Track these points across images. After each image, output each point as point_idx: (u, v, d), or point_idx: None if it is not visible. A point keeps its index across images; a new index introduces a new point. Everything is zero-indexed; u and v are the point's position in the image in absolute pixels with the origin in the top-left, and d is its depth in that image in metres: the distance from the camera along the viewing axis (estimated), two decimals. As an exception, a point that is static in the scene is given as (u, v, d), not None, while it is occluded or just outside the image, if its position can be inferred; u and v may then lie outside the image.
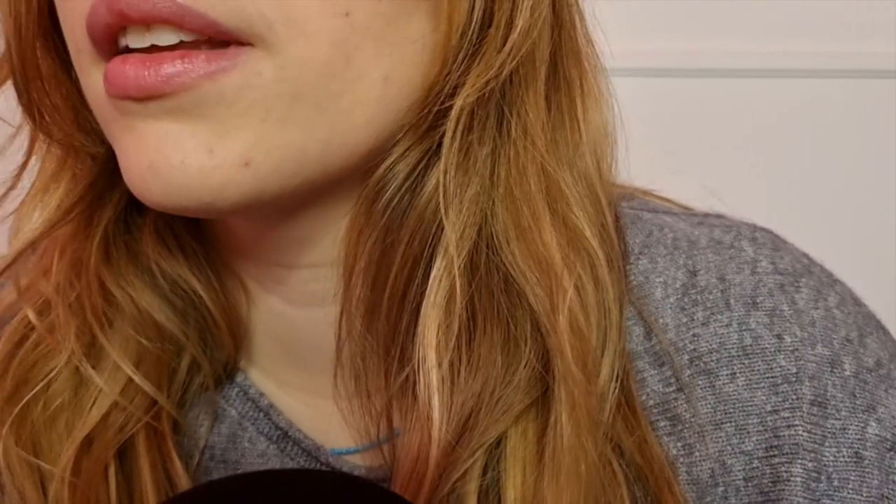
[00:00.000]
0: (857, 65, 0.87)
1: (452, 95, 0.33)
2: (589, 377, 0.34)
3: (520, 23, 0.33)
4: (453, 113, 0.33)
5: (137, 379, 0.39)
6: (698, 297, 0.38)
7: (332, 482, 0.32)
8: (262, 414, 0.42)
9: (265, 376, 0.42)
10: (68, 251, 0.39)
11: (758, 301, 0.37)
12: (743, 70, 0.88)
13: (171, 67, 0.30)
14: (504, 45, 0.33)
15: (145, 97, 0.31)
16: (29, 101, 0.36)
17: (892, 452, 0.36)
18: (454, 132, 0.33)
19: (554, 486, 0.33)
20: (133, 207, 0.40)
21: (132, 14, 0.30)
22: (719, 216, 0.42)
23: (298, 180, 0.32)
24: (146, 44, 0.31)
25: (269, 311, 0.40)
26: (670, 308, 0.38)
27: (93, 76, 0.33)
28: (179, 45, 0.31)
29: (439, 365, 0.34)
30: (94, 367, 0.39)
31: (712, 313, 0.37)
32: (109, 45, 0.32)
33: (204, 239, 0.41)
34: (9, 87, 0.37)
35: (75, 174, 0.38)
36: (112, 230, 0.39)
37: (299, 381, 0.41)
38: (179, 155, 0.31)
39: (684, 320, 0.38)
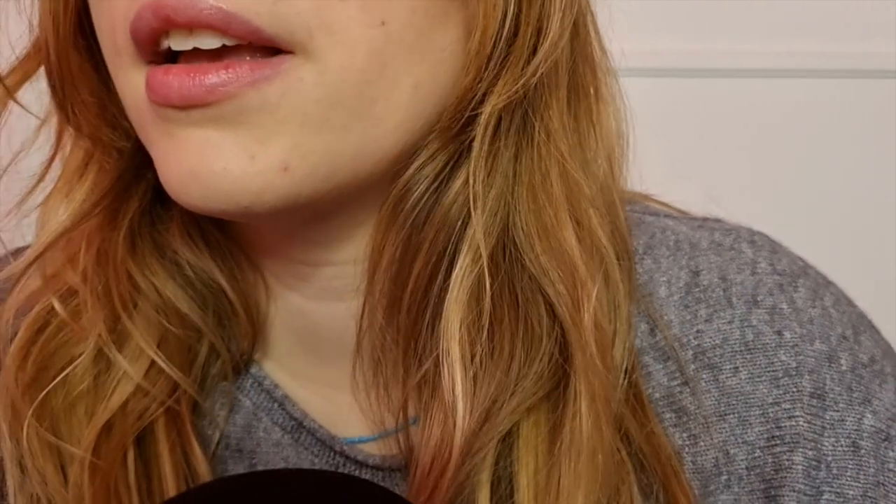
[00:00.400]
0: (857, 65, 0.87)
1: (481, 102, 0.34)
2: (608, 370, 0.36)
3: (550, 32, 0.35)
4: (482, 118, 0.35)
5: (160, 361, 0.40)
6: (701, 296, 0.40)
7: (338, 484, 0.32)
8: (276, 405, 0.43)
9: (280, 368, 0.43)
10: (95, 242, 0.40)
11: (758, 299, 0.39)
12: (743, 70, 0.88)
13: (216, 77, 0.31)
14: (534, 53, 0.35)
15: (188, 106, 0.32)
16: (63, 97, 0.37)
17: (886, 442, 0.38)
18: (483, 136, 0.35)
19: (571, 474, 0.35)
20: (158, 200, 0.41)
21: (178, 19, 0.31)
22: (717, 220, 0.44)
23: (332, 184, 0.33)
24: (188, 47, 0.32)
25: (288, 305, 0.42)
26: (674, 305, 0.40)
27: (132, 77, 0.33)
28: (222, 50, 0.32)
29: (462, 357, 0.35)
30: (119, 353, 0.40)
31: (715, 311, 0.39)
32: (152, 46, 0.32)
33: (227, 234, 0.42)
34: (33, 81, 0.38)
35: (102, 168, 0.39)
36: (138, 222, 0.41)
37: (315, 373, 0.42)
38: (221, 162, 0.32)
39: (688, 317, 0.40)
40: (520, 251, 0.36)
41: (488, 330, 0.36)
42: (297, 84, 0.31)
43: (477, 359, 0.35)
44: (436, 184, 0.35)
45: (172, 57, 0.33)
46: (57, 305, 0.40)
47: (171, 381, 0.41)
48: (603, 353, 0.36)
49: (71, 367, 0.40)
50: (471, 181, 0.35)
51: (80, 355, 0.40)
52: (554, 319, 0.36)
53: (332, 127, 0.32)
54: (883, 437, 0.38)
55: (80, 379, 0.40)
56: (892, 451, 0.38)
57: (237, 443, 0.43)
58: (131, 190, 0.40)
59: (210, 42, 0.32)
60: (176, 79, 0.31)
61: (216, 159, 0.32)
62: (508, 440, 0.36)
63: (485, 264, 0.35)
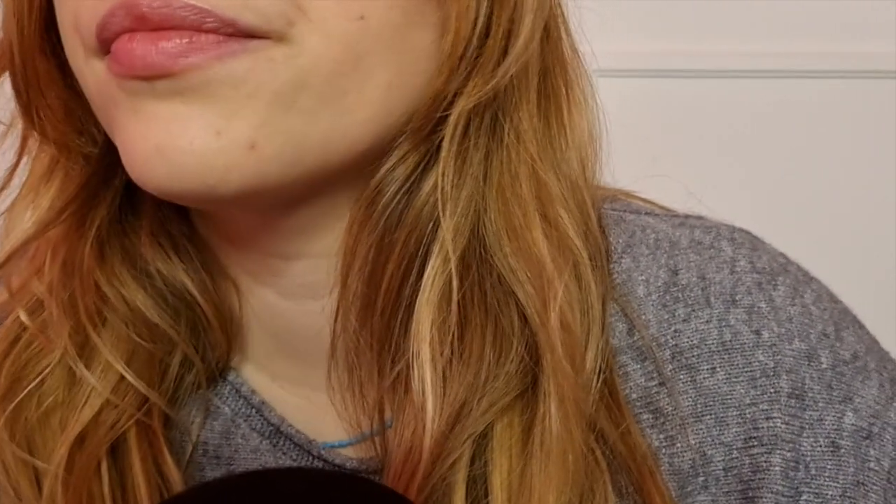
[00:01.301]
0: (857, 65, 0.87)
1: (451, 103, 0.34)
2: (577, 371, 0.36)
3: (521, 34, 0.35)
4: (452, 119, 0.34)
5: (129, 377, 0.39)
6: (679, 295, 0.39)
7: (325, 479, 0.32)
8: (254, 411, 0.42)
9: (258, 370, 0.43)
10: (61, 251, 0.39)
11: (737, 298, 0.39)
12: (743, 70, 0.88)
13: (180, 45, 0.30)
14: (504, 55, 0.35)
15: (153, 76, 0.31)
16: (28, 101, 0.36)
17: (867, 441, 0.38)
18: (452, 137, 0.35)
19: (542, 474, 0.35)
20: (128, 208, 0.40)
21: (153, 18, 0.30)
22: (699, 217, 0.43)
23: (299, 170, 0.33)
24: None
25: (263, 304, 0.41)
26: (652, 305, 0.39)
27: (94, 64, 0.33)
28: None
29: (433, 359, 0.35)
30: (86, 366, 0.40)
31: (693, 310, 0.39)
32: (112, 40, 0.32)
33: (196, 238, 0.41)
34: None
35: (68, 174, 0.38)
36: (106, 231, 0.40)
37: (292, 373, 0.42)
38: (188, 136, 0.31)
39: (666, 316, 0.39)
40: (489, 252, 0.36)
41: (458, 331, 0.35)
42: (267, 63, 0.31)
43: (446, 360, 0.35)
44: (407, 185, 0.35)
45: None
46: (24, 317, 0.40)
47: (141, 394, 0.40)
48: (572, 354, 0.36)
49: (38, 379, 0.39)
50: (440, 183, 0.35)
51: (49, 367, 0.39)
52: (524, 321, 0.36)
53: (300, 109, 0.32)
54: (864, 436, 0.38)
55: (52, 390, 0.40)
56: (874, 449, 0.38)
57: (215, 449, 0.43)
58: (98, 197, 0.39)
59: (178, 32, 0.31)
60: (140, 45, 0.31)
61: (182, 133, 0.31)
62: (484, 441, 0.36)
63: (453, 266, 0.35)
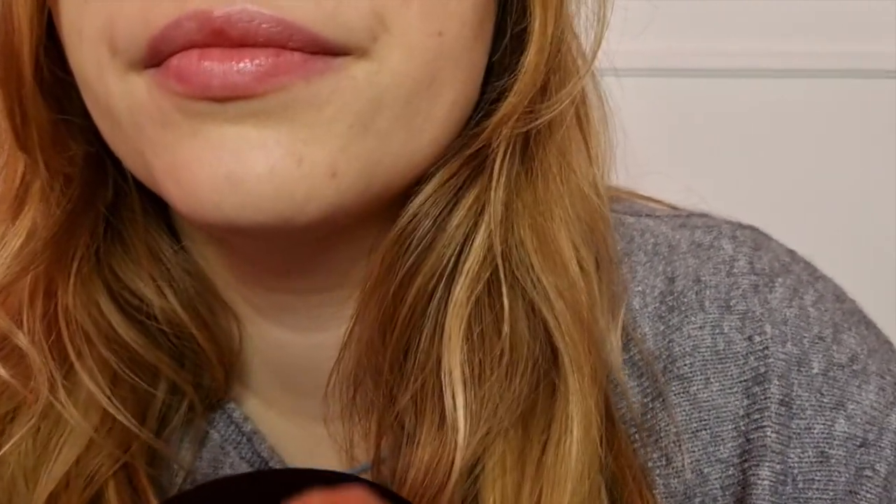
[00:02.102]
0: (857, 65, 0.87)
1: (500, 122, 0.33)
2: (599, 392, 0.35)
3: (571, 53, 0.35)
4: (504, 136, 0.33)
5: (113, 409, 0.36)
6: (674, 303, 0.38)
7: (338, 482, 0.32)
8: (244, 439, 0.40)
9: (254, 397, 0.41)
10: (39, 290, 0.36)
11: (731, 304, 0.38)
12: (742, 70, 0.88)
13: (266, 63, 0.27)
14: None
15: (230, 97, 0.27)
16: (12, 116, 0.32)
17: (863, 448, 0.36)
18: (504, 156, 0.34)
19: (555, 495, 0.33)
20: (112, 236, 0.37)
21: (233, 34, 0.27)
22: (703, 215, 0.42)
23: (367, 196, 0.31)
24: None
25: (266, 339, 0.39)
26: (648, 317, 0.38)
27: (129, 80, 0.29)
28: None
29: (463, 376, 0.33)
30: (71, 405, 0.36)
31: (686, 316, 0.38)
32: (169, 55, 0.28)
33: (190, 267, 0.38)
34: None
35: (44, 198, 0.34)
36: (89, 263, 0.36)
37: (292, 404, 0.40)
38: (267, 162, 0.28)
39: (661, 328, 0.38)
40: (516, 268, 0.35)
41: (488, 349, 0.34)
42: (349, 81, 0.28)
43: (476, 379, 0.34)
44: (447, 209, 0.34)
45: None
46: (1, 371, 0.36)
47: (125, 433, 0.37)
48: (593, 376, 0.35)
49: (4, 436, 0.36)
50: (490, 200, 0.34)
51: (11, 420, 0.36)
52: (546, 338, 0.35)
53: (377, 132, 0.30)
54: (858, 444, 0.36)
55: (18, 448, 0.36)
56: (869, 455, 0.35)
57: (203, 479, 0.41)
58: (81, 224, 0.35)
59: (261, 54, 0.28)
60: (218, 65, 0.27)
61: (260, 160, 0.28)
62: (479, 462, 0.35)
63: (486, 283, 0.34)
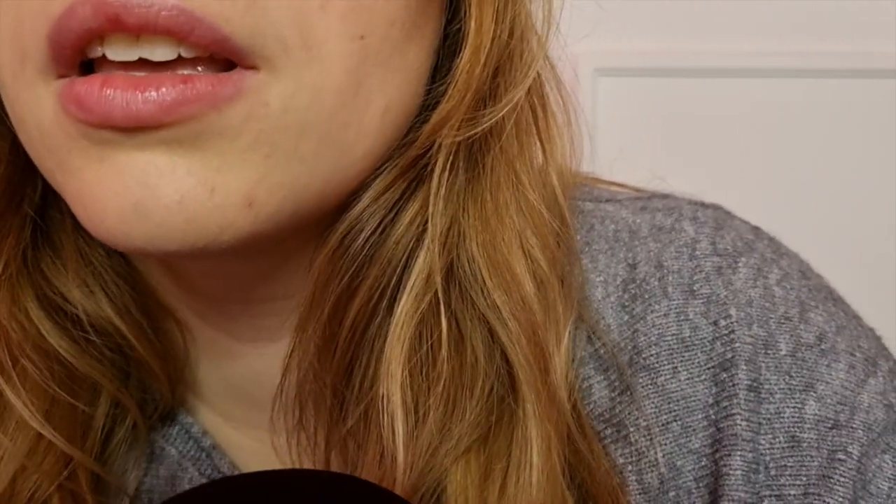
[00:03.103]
0: (857, 65, 0.87)
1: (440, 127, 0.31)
2: (559, 412, 0.33)
3: (530, 54, 0.33)
4: (446, 144, 0.31)
5: (48, 433, 0.34)
6: (637, 291, 0.36)
7: (338, 483, 0.32)
8: (204, 454, 0.39)
9: (207, 408, 0.40)
10: None
11: (695, 288, 0.36)
12: (742, 70, 0.88)
13: (173, 93, 0.26)
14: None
15: (135, 127, 0.26)
16: None
17: (834, 430, 0.34)
18: (445, 164, 0.32)
19: None
20: (40, 239, 0.34)
21: (129, 21, 0.25)
22: (664, 197, 0.40)
23: (295, 219, 0.29)
24: (132, 57, 0.26)
25: (213, 346, 0.37)
26: (611, 307, 0.37)
27: (38, 93, 0.27)
28: (175, 63, 0.27)
29: (404, 403, 0.32)
30: None
31: (650, 304, 0.36)
32: (76, 54, 0.26)
33: (129, 273, 0.37)
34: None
35: None
36: (16, 269, 0.34)
37: (246, 416, 0.39)
38: (176, 193, 0.26)
39: (625, 318, 0.36)
40: (468, 286, 0.33)
41: (430, 371, 0.32)
42: (262, 108, 0.27)
43: (418, 402, 0.32)
44: (386, 220, 0.32)
45: (85, 70, 0.27)
46: None
47: (63, 454, 0.35)
48: (553, 395, 0.33)
49: None
50: (430, 213, 0.32)
51: None
52: (503, 360, 0.33)
53: (302, 157, 0.28)
54: (830, 426, 0.34)
55: None
56: (841, 437, 0.34)
57: (160, 496, 0.39)
58: (6, 226, 0.33)
59: (164, 52, 0.26)
60: (120, 93, 0.25)
61: (168, 190, 0.26)
62: (440, 485, 0.33)
63: (427, 303, 0.32)
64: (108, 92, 0.26)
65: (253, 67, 0.27)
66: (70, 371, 0.35)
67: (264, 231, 0.28)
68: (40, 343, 0.35)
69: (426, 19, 0.31)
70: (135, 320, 0.36)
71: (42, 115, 0.28)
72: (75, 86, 0.26)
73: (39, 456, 0.35)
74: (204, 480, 0.38)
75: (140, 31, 0.26)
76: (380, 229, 0.32)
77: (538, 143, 0.36)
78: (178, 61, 0.27)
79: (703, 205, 0.39)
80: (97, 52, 0.27)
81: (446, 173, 0.32)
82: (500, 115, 0.32)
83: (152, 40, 0.26)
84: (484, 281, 0.33)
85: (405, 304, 0.32)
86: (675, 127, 0.89)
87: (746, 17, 0.87)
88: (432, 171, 0.32)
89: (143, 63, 0.27)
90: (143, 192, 0.26)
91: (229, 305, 0.35)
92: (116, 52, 0.26)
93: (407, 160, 0.31)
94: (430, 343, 0.32)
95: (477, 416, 0.33)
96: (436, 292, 0.32)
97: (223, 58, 0.27)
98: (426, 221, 0.32)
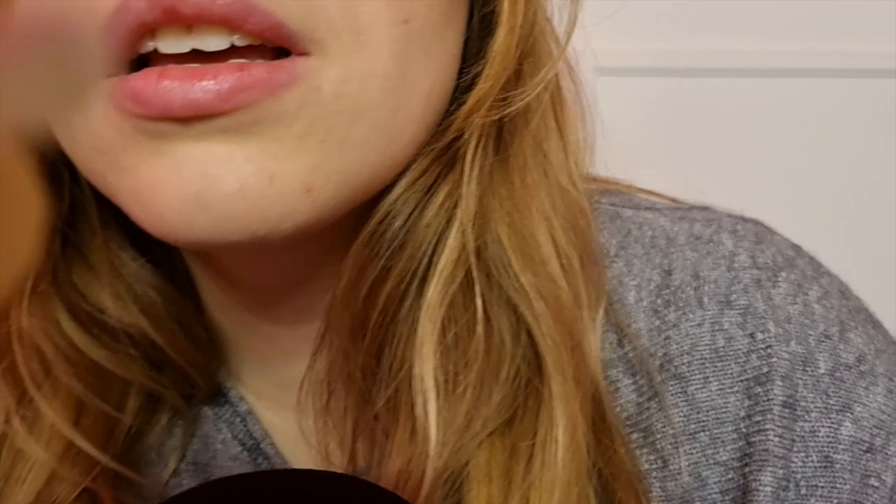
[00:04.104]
0: (857, 65, 0.87)
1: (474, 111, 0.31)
2: (584, 395, 0.33)
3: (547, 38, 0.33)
4: (476, 125, 0.31)
5: (79, 441, 0.34)
6: (671, 298, 0.36)
7: (338, 484, 0.32)
8: (238, 418, 0.39)
9: (243, 387, 0.40)
10: None
11: (732, 299, 0.36)
12: (742, 69, 0.88)
13: (231, 81, 0.26)
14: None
15: (193, 117, 0.26)
16: None
17: (869, 454, 0.34)
18: (477, 147, 0.32)
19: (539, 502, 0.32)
20: (74, 253, 0.34)
21: (185, 11, 0.25)
22: (704, 209, 0.40)
23: (348, 205, 0.29)
24: (185, 48, 0.26)
25: (249, 329, 0.38)
26: (643, 312, 0.36)
27: None
28: (228, 52, 0.27)
29: (436, 383, 0.32)
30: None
31: (684, 313, 0.36)
32: (127, 52, 0.26)
33: (162, 286, 0.37)
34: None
35: None
36: (48, 277, 0.34)
37: (279, 396, 0.39)
38: (236, 181, 0.26)
39: (657, 324, 0.36)
40: (493, 267, 0.33)
41: (463, 352, 0.33)
42: (315, 94, 0.27)
43: (452, 384, 0.32)
44: (421, 204, 0.32)
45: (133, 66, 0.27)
46: None
47: (91, 459, 0.35)
48: (578, 377, 0.33)
49: None
50: (462, 194, 0.32)
51: None
52: (528, 341, 0.33)
53: (354, 143, 0.28)
54: (864, 449, 0.33)
55: None
56: (876, 462, 0.33)
57: (193, 455, 0.39)
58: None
59: (217, 42, 0.26)
60: (178, 84, 0.25)
61: (229, 178, 0.26)
62: (465, 469, 0.33)
63: (462, 283, 0.32)
64: (166, 83, 0.26)
65: (305, 53, 0.27)
66: (101, 378, 0.35)
67: (321, 217, 0.28)
68: (71, 353, 0.34)
69: (458, 2, 0.31)
70: (168, 328, 0.37)
71: (90, 117, 0.27)
72: (130, 81, 0.26)
73: (69, 462, 0.35)
74: (236, 443, 0.38)
75: (195, 21, 0.26)
76: (415, 213, 0.32)
77: (557, 132, 0.36)
78: (231, 51, 0.27)
79: (744, 219, 0.39)
80: (148, 46, 0.26)
81: (478, 155, 0.32)
82: (533, 95, 0.32)
83: (205, 30, 0.26)
84: (510, 262, 0.33)
85: (437, 286, 0.32)
86: (676, 126, 0.89)
87: (747, 16, 0.87)
88: (465, 153, 0.32)
89: (194, 55, 0.27)
90: (203, 182, 0.26)
91: (268, 292, 0.35)
92: (169, 44, 0.26)
93: (443, 144, 0.31)
94: (461, 324, 0.32)
95: (504, 398, 0.33)
96: (468, 272, 0.32)
97: (275, 46, 0.27)
98: (456, 203, 0.32)
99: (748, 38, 0.88)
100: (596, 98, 0.88)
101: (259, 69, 0.26)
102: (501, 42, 0.31)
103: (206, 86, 0.26)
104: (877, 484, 0.33)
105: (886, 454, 0.34)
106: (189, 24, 0.26)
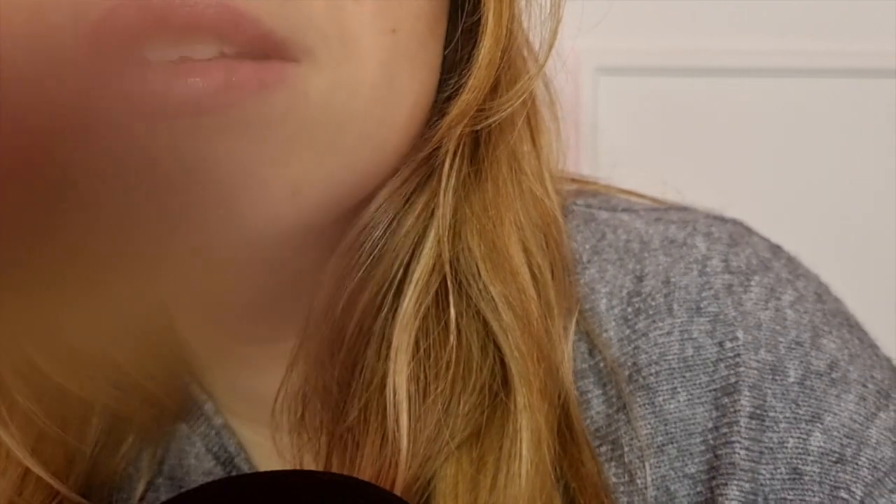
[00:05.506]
0: (857, 64, 0.87)
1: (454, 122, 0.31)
2: (550, 406, 0.33)
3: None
4: (455, 136, 0.31)
5: (35, 468, 0.33)
6: (641, 306, 0.35)
7: (336, 484, 0.31)
8: (213, 431, 0.38)
9: (216, 402, 0.40)
10: None
11: (702, 306, 0.35)
12: (742, 70, 0.88)
13: (218, 78, 0.25)
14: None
15: (176, 116, 0.25)
16: None
17: (839, 465, 0.32)
18: (454, 157, 0.32)
19: None
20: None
21: (174, 19, 0.24)
22: (682, 209, 0.39)
23: (333, 214, 0.29)
24: (173, 57, 0.25)
25: (219, 349, 0.37)
26: (615, 320, 0.35)
27: None
28: (217, 59, 0.26)
29: (408, 393, 0.32)
30: None
31: (654, 321, 0.35)
32: (114, 59, 0.25)
33: None
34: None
35: None
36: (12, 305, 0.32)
37: (250, 412, 0.39)
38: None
39: (627, 332, 0.35)
40: (463, 277, 0.33)
41: (436, 362, 0.32)
42: (302, 100, 0.26)
43: (424, 394, 0.32)
44: (401, 213, 0.32)
45: None
46: None
47: (50, 487, 0.34)
48: (544, 388, 0.32)
49: None
50: (438, 204, 0.32)
51: None
52: (496, 352, 0.33)
53: (340, 153, 0.28)
54: (834, 460, 0.32)
55: None
56: (845, 473, 0.32)
57: (170, 470, 0.39)
58: None
59: (206, 50, 0.26)
60: (160, 79, 0.25)
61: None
62: (431, 482, 0.33)
63: (437, 292, 0.32)
64: (151, 78, 0.25)
65: (294, 60, 0.26)
66: (61, 401, 0.34)
67: (306, 224, 0.28)
68: (33, 378, 0.33)
69: (442, 13, 0.31)
70: (132, 349, 0.35)
71: None
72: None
73: (30, 490, 0.34)
74: (210, 458, 0.38)
75: (185, 30, 0.25)
76: (394, 223, 0.32)
77: (531, 142, 0.36)
78: (219, 58, 0.26)
79: (721, 219, 0.38)
80: (135, 54, 0.26)
81: (455, 165, 0.32)
82: (511, 108, 0.32)
83: (194, 38, 0.26)
84: (479, 272, 0.33)
85: (412, 296, 0.32)
86: (676, 126, 0.89)
87: (747, 16, 0.87)
88: (443, 163, 0.32)
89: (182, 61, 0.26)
90: None
91: (245, 308, 0.35)
92: (156, 53, 0.25)
93: (425, 153, 0.31)
94: (434, 334, 0.32)
95: (471, 410, 0.33)
96: (442, 282, 0.32)
97: (263, 54, 0.26)
98: (432, 213, 0.32)
99: (748, 38, 0.88)
100: (596, 98, 0.88)
101: (247, 67, 0.26)
102: (486, 52, 0.31)
103: (193, 81, 0.25)
104: (846, 496, 0.32)
105: (857, 465, 0.33)
106: (179, 34, 0.25)
